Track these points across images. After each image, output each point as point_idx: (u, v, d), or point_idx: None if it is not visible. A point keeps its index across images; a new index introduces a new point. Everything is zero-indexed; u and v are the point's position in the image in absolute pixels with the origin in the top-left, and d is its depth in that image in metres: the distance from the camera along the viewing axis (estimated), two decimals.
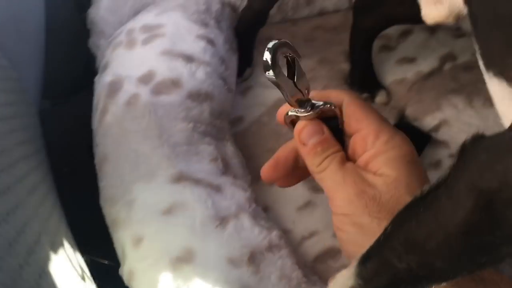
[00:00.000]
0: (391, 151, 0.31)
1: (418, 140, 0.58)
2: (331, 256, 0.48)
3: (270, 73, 0.29)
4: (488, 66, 0.27)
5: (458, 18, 0.44)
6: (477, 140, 0.23)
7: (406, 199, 0.26)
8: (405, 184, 0.30)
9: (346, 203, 0.30)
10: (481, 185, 0.21)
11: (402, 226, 0.24)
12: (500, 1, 0.24)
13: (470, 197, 0.21)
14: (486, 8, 0.26)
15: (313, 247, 0.48)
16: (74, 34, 0.66)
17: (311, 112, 0.32)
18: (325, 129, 0.33)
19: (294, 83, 0.31)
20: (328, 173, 0.32)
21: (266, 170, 0.35)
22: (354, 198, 0.30)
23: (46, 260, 0.35)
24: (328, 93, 0.34)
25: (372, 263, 0.26)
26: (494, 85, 0.27)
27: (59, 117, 0.67)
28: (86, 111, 0.58)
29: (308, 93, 0.32)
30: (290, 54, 0.30)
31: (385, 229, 0.25)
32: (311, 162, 0.33)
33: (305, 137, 0.33)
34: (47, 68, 0.60)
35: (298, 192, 0.52)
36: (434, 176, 0.58)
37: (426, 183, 0.28)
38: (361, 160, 0.32)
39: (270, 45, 0.29)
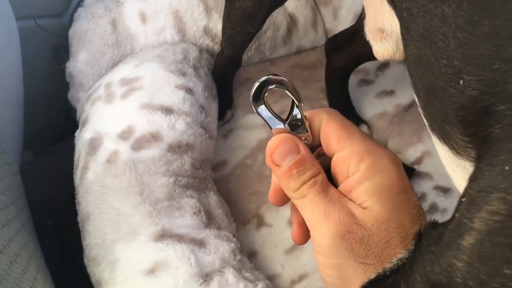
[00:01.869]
0: (377, 177, 0.27)
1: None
2: None
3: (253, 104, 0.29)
4: (432, 128, 0.27)
5: None
6: (430, 229, 0.23)
7: (396, 242, 0.25)
8: (397, 225, 0.26)
9: (328, 245, 0.27)
10: (432, 278, 0.21)
11: None
12: (434, 72, 0.24)
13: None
14: (424, 76, 0.26)
15: None
16: (54, 85, 0.66)
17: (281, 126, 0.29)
18: (302, 147, 0.28)
19: (276, 115, 0.29)
20: (307, 203, 0.28)
21: (270, 197, 0.31)
22: (337, 241, 0.26)
23: None
24: (309, 113, 0.30)
25: None
26: (439, 148, 0.27)
27: (42, 168, 0.67)
28: (68, 161, 0.57)
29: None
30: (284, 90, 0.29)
31: None
32: (287, 186, 0.28)
33: (278, 158, 0.28)
34: (28, 119, 0.60)
35: (285, 234, 0.52)
36: None
37: (418, 218, 0.26)
38: (344, 187, 0.28)
39: (261, 78, 0.29)
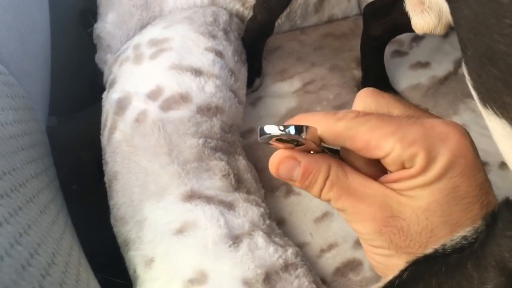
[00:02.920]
0: (449, 183, 0.24)
1: None
2: (351, 269, 0.46)
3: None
4: (485, 101, 0.24)
5: (448, 28, 0.42)
6: (505, 207, 0.21)
7: (443, 231, 0.23)
8: (441, 213, 0.24)
9: (368, 238, 0.26)
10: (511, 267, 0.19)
11: (418, 281, 0.23)
12: (493, 35, 0.21)
13: (500, 276, 0.20)
14: (478, 41, 0.23)
15: (332, 260, 0.47)
16: (80, 50, 0.66)
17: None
18: (300, 156, 0.26)
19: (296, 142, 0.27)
20: (334, 204, 0.27)
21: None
22: (375, 236, 0.25)
23: (61, 282, 0.34)
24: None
25: None
26: (493, 123, 0.24)
27: (67, 133, 0.66)
28: (94, 127, 0.57)
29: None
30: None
31: (401, 275, 0.24)
32: (312, 194, 0.27)
33: (285, 176, 0.27)
34: (53, 85, 0.59)
35: (315, 202, 0.50)
36: None
37: (479, 200, 0.24)
38: (391, 177, 0.26)
39: (267, 129, 0.26)
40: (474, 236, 0.22)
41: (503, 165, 0.55)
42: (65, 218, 0.46)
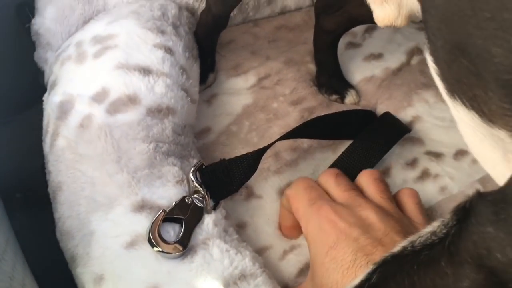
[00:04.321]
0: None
1: (398, 131, 0.56)
2: None
3: None
4: (453, 92, 0.24)
5: (409, 19, 0.42)
6: (478, 202, 0.20)
7: None
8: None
9: None
10: (490, 264, 0.18)
11: (389, 282, 0.22)
12: (468, 27, 0.21)
13: (477, 273, 0.19)
14: (450, 32, 0.22)
15: (295, 261, 0.46)
16: (20, 47, 0.61)
17: None
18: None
19: None
20: None
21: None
22: None
23: None
24: None
25: None
26: (461, 114, 0.24)
27: (7, 138, 0.62)
28: (36, 129, 0.53)
29: None
30: None
31: (369, 278, 0.23)
32: None
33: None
34: None
35: (277, 204, 0.49)
36: (412, 175, 0.56)
37: None
38: None
39: None
40: (444, 231, 0.22)
41: (457, 155, 0.55)
42: (6, 234, 0.42)
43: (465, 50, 0.21)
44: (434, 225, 0.23)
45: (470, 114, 0.23)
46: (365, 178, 0.44)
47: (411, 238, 0.23)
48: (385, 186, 0.44)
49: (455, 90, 0.23)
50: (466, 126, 0.24)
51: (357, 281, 0.24)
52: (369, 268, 0.24)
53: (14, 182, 0.60)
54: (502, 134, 0.21)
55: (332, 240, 0.36)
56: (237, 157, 0.46)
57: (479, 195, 0.21)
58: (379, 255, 0.30)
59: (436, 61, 0.24)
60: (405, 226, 0.38)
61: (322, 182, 0.45)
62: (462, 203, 0.21)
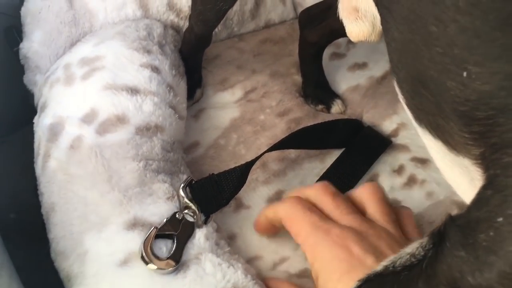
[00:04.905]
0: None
1: (380, 144, 0.58)
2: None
3: None
4: (420, 121, 0.25)
5: (382, 36, 0.42)
6: (450, 226, 0.21)
7: None
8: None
9: None
10: (463, 287, 0.19)
11: None
12: (424, 61, 0.21)
13: None
14: (409, 64, 0.23)
15: (285, 273, 0.46)
16: (10, 69, 0.62)
17: None
18: None
19: None
20: None
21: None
22: None
23: None
24: None
25: None
26: (429, 141, 0.25)
27: (0, 157, 0.63)
28: (28, 150, 0.54)
29: None
30: None
31: None
32: None
33: None
34: None
35: None
36: (399, 182, 0.57)
37: None
38: None
39: None
40: (422, 253, 0.23)
41: None
42: (1, 257, 0.43)
43: (424, 82, 0.22)
44: (413, 247, 0.23)
45: (437, 143, 0.23)
46: (369, 196, 0.43)
47: (392, 258, 0.24)
48: (389, 208, 0.43)
49: (421, 119, 0.24)
50: (436, 153, 0.25)
51: None
52: (354, 284, 0.24)
53: (8, 202, 0.61)
54: (466, 162, 0.22)
55: (345, 266, 0.35)
56: (225, 171, 0.47)
57: (451, 219, 0.22)
58: None
59: (402, 91, 0.25)
60: None
61: (312, 197, 0.43)
62: (437, 227, 0.22)
